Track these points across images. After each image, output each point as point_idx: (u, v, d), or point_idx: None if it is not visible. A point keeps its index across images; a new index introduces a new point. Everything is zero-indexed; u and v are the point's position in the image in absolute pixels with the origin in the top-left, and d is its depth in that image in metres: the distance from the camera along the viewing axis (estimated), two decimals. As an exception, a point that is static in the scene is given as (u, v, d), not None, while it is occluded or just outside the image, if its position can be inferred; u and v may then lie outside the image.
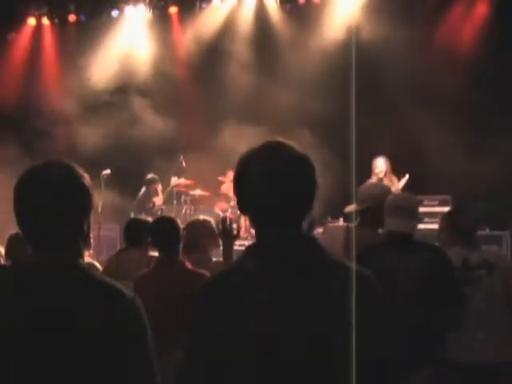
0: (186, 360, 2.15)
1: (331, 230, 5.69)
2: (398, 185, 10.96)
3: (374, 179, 10.65)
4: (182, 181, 13.02)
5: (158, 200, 12.62)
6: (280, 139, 2.22)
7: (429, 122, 11.43)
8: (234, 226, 4.58)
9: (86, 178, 2.32)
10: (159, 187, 12.73)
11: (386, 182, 10.62)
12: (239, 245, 10.89)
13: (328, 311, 2.00)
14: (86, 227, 2.32)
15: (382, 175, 10.84)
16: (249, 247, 2.20)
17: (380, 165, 10.91)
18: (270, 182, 2.09)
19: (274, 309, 2.01)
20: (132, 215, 11.47)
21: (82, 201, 2.28)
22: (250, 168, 2.15)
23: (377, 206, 4.97)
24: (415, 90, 12.10)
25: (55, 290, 2.17)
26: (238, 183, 2.20)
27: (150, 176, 12.60)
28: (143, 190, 12.59)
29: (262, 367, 1.99)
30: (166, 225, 4.98)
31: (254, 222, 2.19)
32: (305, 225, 2.16)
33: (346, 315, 1.97)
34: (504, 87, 11.64)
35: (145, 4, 14.71)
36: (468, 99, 11.69)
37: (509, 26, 11.88)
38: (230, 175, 12.56)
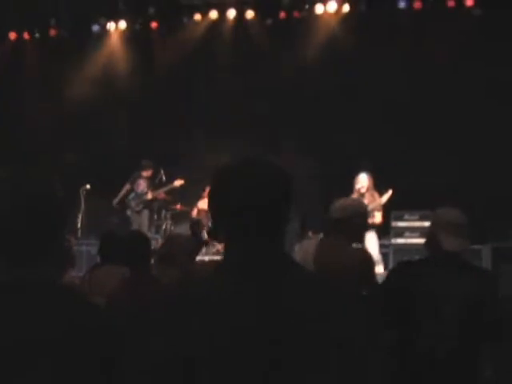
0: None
1: (305, 245, 5.59)
2: (380, 200, 10.94)
3: (355, 195, 10.60)
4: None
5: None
6: (256, 154, 2.18)
7: (411, 137, 11.55)
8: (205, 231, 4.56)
9: (58, 191, 2.28)
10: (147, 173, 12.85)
11: (367, 197, 10.66)
12: (198, 260, 10.96)
13: (300, 333, 1.94)
14: (60, 242, 2.28)
15: (363, 190, 10.80)
16: (220, 263, 2.16)
17: (362, 180, 10.86)
18: (245, 195, 2.05)
19: (241, 330, 1.95)
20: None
21: (54, 214, 2.24)
22: (225, 182, 2.11)
23: (346, 217, 4.81)
24: (398, 105, 12.19)
25: (24, 310, 2.11)
26: (212, 197, 2.15)
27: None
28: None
29: None
30: (136, 240, 4.94)
31: (227, 237, 2.14)
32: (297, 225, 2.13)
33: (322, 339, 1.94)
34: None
35: (126, 20, 14.70)
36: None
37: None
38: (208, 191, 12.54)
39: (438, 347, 3.98)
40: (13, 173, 2.25)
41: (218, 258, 10.66)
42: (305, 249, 5.21)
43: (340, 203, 4.97)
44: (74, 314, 2.14)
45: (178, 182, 12.73)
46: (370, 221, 10.64)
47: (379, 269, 10.98)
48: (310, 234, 11.36)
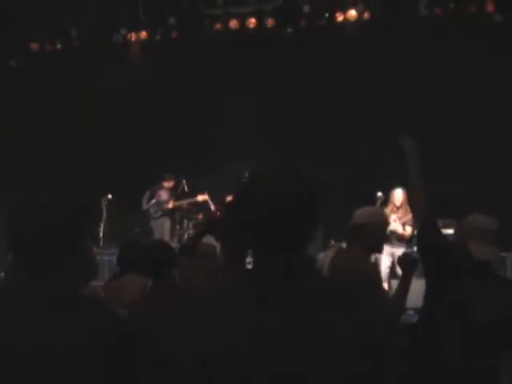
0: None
1: (326, 254, 5.54)
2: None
3: (390, 207, 11.23)
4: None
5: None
6: (282, 166, 2.17)
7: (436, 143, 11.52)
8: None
9: (74, 202, 2.29)
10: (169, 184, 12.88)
11: (401, 211, 11.25)
12: None
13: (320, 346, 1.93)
14: (81, 252, 2.29)
15: (398, 204, 11.33)
16: (244, 272, 2.16)
17: (397, 195, 11.35)
18: (270, 207, 2.04)
19: (264, 341, 1.94)
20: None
21: (70, 225, 2.25)
22: (249, 194, 2.10)
23: (362, 224, 4.74)
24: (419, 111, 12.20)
25: (43, 320, 2.11)
26: (236, 209, 2.17)
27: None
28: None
29: None
30: (159, 249, 4.92)
31: (251, 248, 2.14)
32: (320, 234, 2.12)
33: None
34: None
35: (146, 30, 14.77)
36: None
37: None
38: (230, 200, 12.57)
39: (459, 355, 3.88)
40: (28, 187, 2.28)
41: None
42: (324, 258, 5.19)
43: (359, 210, 4.93)
44: (93, 325, 2.14)
45: (201, 197, 12.75)
46: (401, 234, 11.30)
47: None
48: (333, 242, 11.35)
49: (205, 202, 12.83)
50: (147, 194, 13.09)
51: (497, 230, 4.15)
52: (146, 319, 4.34)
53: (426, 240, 4.14)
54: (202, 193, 12.84)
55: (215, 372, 1.94)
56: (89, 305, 2.24)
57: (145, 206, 13.10)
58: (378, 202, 11.28)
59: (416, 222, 4.40)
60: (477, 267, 4.00)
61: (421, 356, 3.99)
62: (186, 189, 13.11)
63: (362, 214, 4.85)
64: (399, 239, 11.43)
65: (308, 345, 1.91)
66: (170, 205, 12.87)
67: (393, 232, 11.36)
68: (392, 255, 11.47)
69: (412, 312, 9.84)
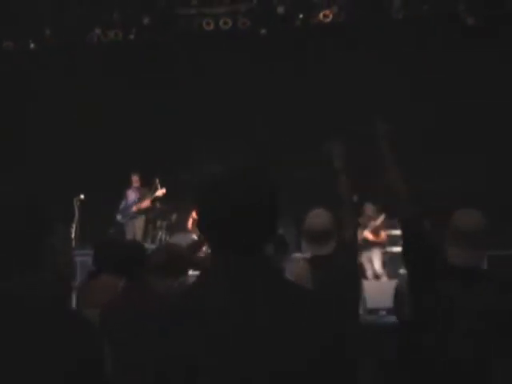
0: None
1: (293, 269, 5.49)
2: (374, 222, 12.35)
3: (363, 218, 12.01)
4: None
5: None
6: (244, 166, 2.17)
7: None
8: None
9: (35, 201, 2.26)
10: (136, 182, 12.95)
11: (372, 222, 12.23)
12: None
13: (287, 346, 1.94)
14: (44, 253, 2.26)
15: (371, 213, 12.34)
16: (205, 273, 2.15)
17: (369, 209, 12.32)
18: (231, 204, 2.04)
19: (225, 340, 1.95)
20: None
21: (32, 226, 2.21)
22: (209, 193, 2.10)
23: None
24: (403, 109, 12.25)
25: (12, 324, 2.09)
26: (198, 208, 2.15)
27: None
28: None
29: None
30: (131, 250, 4.90)
31: (212, 247, 2.15)
32: (270, 249, 2.12)
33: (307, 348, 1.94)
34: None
35: (120, 30, 14.70)
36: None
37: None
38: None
39: (449, 361, 3.60)
40: None
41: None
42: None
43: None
44: (57, 327, 2.11)
45: (160, 192, 12.78)
46: (372, 240, 12.05)
47: (383, 279, 11.49)
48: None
49: (164, 196, 12.84)
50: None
51: (481, 230, 3.71)
52: (117, 320, 4.33)
53: (411, 240, 3.90)
54: (160, 188, 12.88)
55: (195, 374, 1.94)
56: (50, 309, 2.19)
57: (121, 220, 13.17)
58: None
59: (398, 216, 4.09)
60: (462, 272, 3.68)
61: (407, 358, 3.88)
62: (159, 187, 13.06)
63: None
64: (375, 244, 11.82)
65: (274, 345, 1.94)
66: (135, 208, 12.86)
67: (366, 240, 11.65)
68: (370, 260, 11.73)
69: (384, 313, 9.91)
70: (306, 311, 2.01)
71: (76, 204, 12.07)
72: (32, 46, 15.21)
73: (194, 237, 12.44)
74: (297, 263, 5.69)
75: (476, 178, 11.92)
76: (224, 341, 1.94)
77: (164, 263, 5.10)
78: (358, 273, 5.42)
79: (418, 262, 3.85)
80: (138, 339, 2.18)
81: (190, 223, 12.82)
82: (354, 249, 5.18)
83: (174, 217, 13.10)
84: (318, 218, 4.91)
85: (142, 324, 3.79)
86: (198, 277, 2.17)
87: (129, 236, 12.47)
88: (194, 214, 12.83)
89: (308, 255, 5.11)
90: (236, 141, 12.92)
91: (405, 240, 3.97)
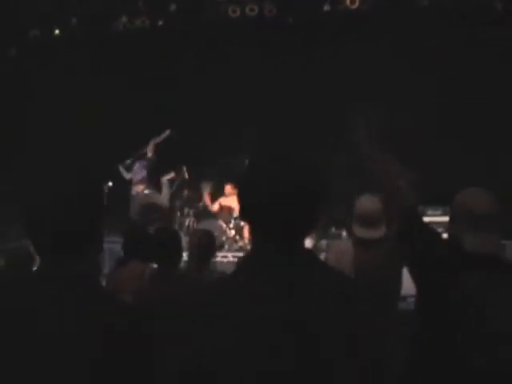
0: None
1: (337, 247, 5.50)
2: None
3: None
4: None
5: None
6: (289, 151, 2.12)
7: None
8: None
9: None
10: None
11: None
12: (222, 256, 11.04)
13: (326, 332, 1.91)
14: (98, 238, 2.29)
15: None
16: (245, 258, 2.14)
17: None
18: (275, 190, 2.00)
19: (266, 327, 1.92)
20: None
21: (92, 211, 2.24)
22: (256, 174, 2.07)
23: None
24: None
25: (57, 302, 2.11)
26: (243, 189, 2.12)
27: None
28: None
29: None
30: (165, 237, 4.90)
31: (254, 232, 2.12)
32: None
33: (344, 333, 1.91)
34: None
35: (146, 18, 14.71)
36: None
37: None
38: (228, 188, 12.62)
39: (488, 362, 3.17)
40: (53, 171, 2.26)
41: (241, 254, 10.66)
42: (338, 250, 5.17)
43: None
44: (102, 310, 2.13)
45: (168, 176, 12.85)
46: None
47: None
48: (333, 229, 11.36)
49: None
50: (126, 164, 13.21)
51: (495, 211, 3.34)
52: (151, 307, 4.35)
53: (407, 231, 3.55)
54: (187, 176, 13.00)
55: (230, 363, 1.92)
56: (104, 292, 2.25)
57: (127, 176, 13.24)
58: None
59: (393, 214, 3.73)
60: (478, 262, 3.28)
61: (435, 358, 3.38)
62: (187, 176, 13.09)
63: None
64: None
65: (313, 336, 1.90)
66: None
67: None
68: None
69: (413, 299, 9.90)
70: (348, 301, 1.98)
71: (104, 191, 12.14)
72: (58, 34, 15.23)
73: (221, 223, 12.49)
74: (341, 244, 5.73)
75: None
76: (262, 330, 1.92)
77: (197, 248, 5.13)
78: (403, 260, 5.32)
79: (418, 257, 3.52)
80: (170, 327, 2.17)
81: (216, 209, 12.85)
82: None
83: (201, 204, 13.12)
84: (369, 202, 4.91)
85: (176, 311, 3.80)
86: (237, 264, 2.15)
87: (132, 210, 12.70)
88: (220, 201, 12.87)
89: (354, 238, 5.06)
90: (264, 129, 12.87)
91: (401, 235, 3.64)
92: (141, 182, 12.94)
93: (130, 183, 13.13)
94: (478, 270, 3.22)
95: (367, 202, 4.92)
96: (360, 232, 4.91)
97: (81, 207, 2.20)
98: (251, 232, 2.14)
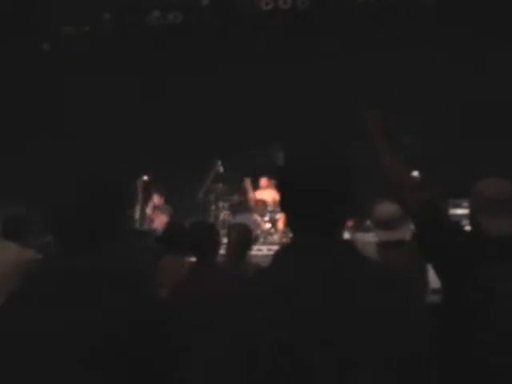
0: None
1: (361, 238, 5.52)
2: None
3: None
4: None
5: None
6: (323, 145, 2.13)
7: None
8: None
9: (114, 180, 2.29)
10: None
11: None
12: (257, 249, 11.02)
13: (365, 322, 1.89)
14: (120, 227, 2.29)
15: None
16: (284, 249, 2.12)
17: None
18: (315, 182, 2.01)
19: (309, 317, 1.91)
20: None
21: (116, 202, 2.25)
22: (296, 166, 2.08)
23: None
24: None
25: (91, 296, 2.11)
26: (282, 181, 2.12)
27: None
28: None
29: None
30: (203, 230, 4.89)
31: (293, 224, 2.12)
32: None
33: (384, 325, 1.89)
34: None
35: (179, 12, 14.73)
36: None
37: None
38: (264, 181, 12.62)
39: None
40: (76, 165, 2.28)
41: (275, 247, 10.65)
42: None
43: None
44: (129, 303, 2.12)
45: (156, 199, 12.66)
46: None
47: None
48: (369, 222, 11.30)
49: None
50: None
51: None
52: (188, 301, 4.35)
53: (422, 219, 3.43)
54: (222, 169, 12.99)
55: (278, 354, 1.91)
56: (127, 282, 2.22)
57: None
58: None
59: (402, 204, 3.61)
60: (501, 248, 3.18)
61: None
62: (222, 170, 13.10)
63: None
64: None
65: (351, 329, 1.89)
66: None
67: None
68: None
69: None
70: (388, 291, 1.97)
71: (139, 185, 12.16)
72: (90, 29, 15.31)
73: (256, 216, 12.49)
74: (364, 237, 5.72)
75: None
76: (305, 321, 1.90)
77: (236, 242, 5.14)
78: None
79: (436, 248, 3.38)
80: (212, 320, 2.16)
81: (252, 204, 12.86)
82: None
83: (235, 197, 13.13)
84: (387, 205, 4.93)
85: (217, 304, 3.78)
86: (274, 256, 2.15)
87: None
88: (255, 195, 12.86)
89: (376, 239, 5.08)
90: (294, 125, 12.83)
91: (420, 230, 3.49)
92: None
93: None
94: (501, 259, 3.14)
95: (386, 205, 4.96)
96: (380, 235, 4.96)
97: (102, 203, 2.21)
98: (290, 223, 2.14)
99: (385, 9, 13.60)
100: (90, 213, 2.19)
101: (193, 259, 5.16)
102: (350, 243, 2.09)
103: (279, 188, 2.13)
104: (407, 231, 4.83)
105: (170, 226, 6.37)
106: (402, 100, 12.34)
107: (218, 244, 4.84)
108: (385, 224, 4.89)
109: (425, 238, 3.45)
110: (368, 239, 5.22)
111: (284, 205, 2.12)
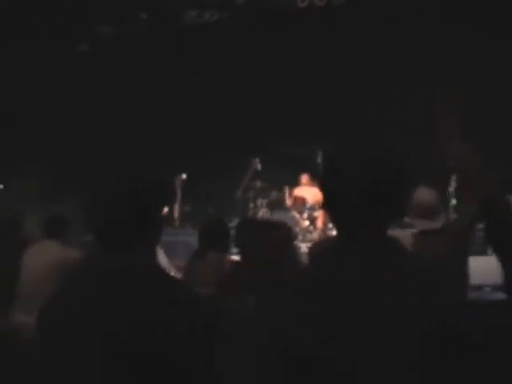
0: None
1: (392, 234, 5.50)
2: None
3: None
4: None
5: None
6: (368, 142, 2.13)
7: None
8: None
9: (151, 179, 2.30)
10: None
11: None
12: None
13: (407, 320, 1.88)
14: (157, 225, 2.30)
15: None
16: (328, 247, 2.13)
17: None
18: (361, 181, 2.00)
19: (348, 316, 1.92)
20: None
21: (154, 200, 2.26)
22: (340, 164, 2.07)
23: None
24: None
25: (126, 293, 2.13)
26: (326, 179, 2.11)
27: None
28: None
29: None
30: (245, 228, 4.89)
31: (337, 222, 2.11)
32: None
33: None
34: None
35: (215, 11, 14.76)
36: None
37: None
38: (304, 178, 12.60)
39: None
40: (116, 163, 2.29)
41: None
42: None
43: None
44: (172, 296, 2.13)
45: None
46: None
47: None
48: (407, 219, 11.28)
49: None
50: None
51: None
52: (231, 298, 4.34)
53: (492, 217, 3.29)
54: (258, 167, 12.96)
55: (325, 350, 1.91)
56: (168, 278, 2.25)
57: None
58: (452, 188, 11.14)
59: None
60: None
61: None
62: (260, 167, 13.11)
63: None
64: None
65: (395, 327, 1.88)
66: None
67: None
68: None
69: (489, 289, 9.71)
70: (435, 288, 1.96)
71: (178, 183, 12.22)
72: (127, 29, 15.40)
73: (295, 214, 12.48)
74: (396, 232, 5.69)
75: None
76: (353, 316, 1.91)
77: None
78: (467, 250, 5.28)
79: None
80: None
81: (290, 200, 12.85)
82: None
83: (273, 195, 13.13)
84: (425, 194, 4.99)
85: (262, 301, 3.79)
86: (310, 253, 2.14)
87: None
88: (293, 192, 12.86)
89: (414, 230, 5.09)
90: (330, 122, 12.81)
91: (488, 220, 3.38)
92: None
93: None
94: None
95: (424, 194, 5.00)
96: (418, 223, 4.99)
97: (143, 201, 2.22)
98: (334, 221, 2.13)
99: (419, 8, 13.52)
100: (131, 211, 2.20)
101: (235, 257, 5.17)
102: (394, 241, 2.08)
103: (322, 187, 2.12)
104: (443, 219, 5.02)
105: (210, 224, 6.36)
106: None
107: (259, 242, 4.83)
108: (424, 212, 4.93)
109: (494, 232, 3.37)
110: (400, 233, 5.21)
111: (328, 204, 2.11)
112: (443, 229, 4.94)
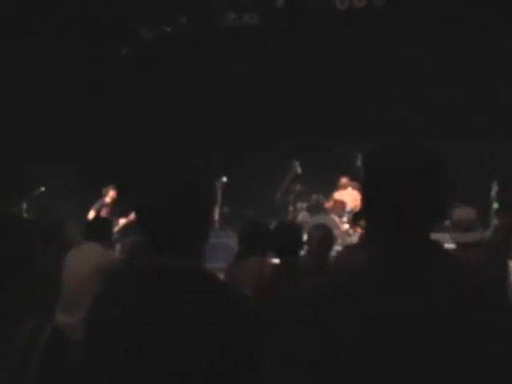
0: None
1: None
2: None
3: None
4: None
5: None
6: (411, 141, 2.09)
7: None
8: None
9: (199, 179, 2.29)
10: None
11: None
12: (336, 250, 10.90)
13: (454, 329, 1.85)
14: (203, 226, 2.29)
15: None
16: (374, 251, 2.09)
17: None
18: (402, 183, 1.97)
19: (398, 318, 1.89)
20: None
21: (203, 201, 2.25)
22: (381, 167, 2.04)
23: None
24: None
25: (171, 295, 2.13)
26: (366, 183, 2.09)
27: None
28: None
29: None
30: (287, 231, 4.89)
31: (378, 226, 2.07)
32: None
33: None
34: None
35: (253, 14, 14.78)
36: None
37: None
38: (344, 181, 12.57)
39: None
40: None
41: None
42: None
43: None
44: (220, 299, 2.13)
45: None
46: None
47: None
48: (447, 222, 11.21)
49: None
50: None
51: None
52: (272, 301, 4.34)
53: None
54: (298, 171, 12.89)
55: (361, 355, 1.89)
56: (216, 281, 2.24)
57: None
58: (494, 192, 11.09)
59: None
60: None
61: None
62: (299, 171, 13.09)
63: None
64: None
65: (441, 330, 1.85)
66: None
67: None
68: None
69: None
70: (478, 292, 1.93)
71: (218, 186, 12.24)
72: (168, 32, 15.50)
73: (334, 217, 12.44)
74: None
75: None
76: (387, 320, 1.89)
77: (318, 243, 5.13)
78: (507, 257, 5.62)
79: None
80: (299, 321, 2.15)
81: (330, 203, 12.82)
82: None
83: (313, 198, 13.11)
84: (463, 210, 5.42)
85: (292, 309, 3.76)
86: (339, 258, 2.13)
87: None
88: (334, 195, 12.83)
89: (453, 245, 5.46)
90: (370, 124, 12.74)
91: None
92: None
93: None
94: None
95: (462, 210, 5.43)
96: (456, 237, 5.38)
97: (190, 203, 2.21)
98: (374, 225, 2.11)
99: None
100: (183, 212, 2.19)
101: (275, 260, 5.16)
102: (437, 244, 2.05)
103: (364, 189, 2.10)
104: (481, 233, 5.49)
105: (251, 227, 6.34)
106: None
107: (302, 245, 4.85)
108: (463, 226, 5.32)
109: None
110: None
111: (369, 206, 2.09)
112: (481, 242, 5.36)
